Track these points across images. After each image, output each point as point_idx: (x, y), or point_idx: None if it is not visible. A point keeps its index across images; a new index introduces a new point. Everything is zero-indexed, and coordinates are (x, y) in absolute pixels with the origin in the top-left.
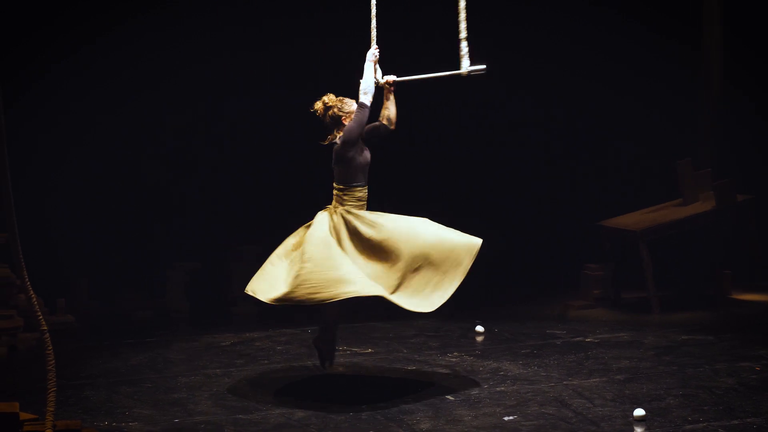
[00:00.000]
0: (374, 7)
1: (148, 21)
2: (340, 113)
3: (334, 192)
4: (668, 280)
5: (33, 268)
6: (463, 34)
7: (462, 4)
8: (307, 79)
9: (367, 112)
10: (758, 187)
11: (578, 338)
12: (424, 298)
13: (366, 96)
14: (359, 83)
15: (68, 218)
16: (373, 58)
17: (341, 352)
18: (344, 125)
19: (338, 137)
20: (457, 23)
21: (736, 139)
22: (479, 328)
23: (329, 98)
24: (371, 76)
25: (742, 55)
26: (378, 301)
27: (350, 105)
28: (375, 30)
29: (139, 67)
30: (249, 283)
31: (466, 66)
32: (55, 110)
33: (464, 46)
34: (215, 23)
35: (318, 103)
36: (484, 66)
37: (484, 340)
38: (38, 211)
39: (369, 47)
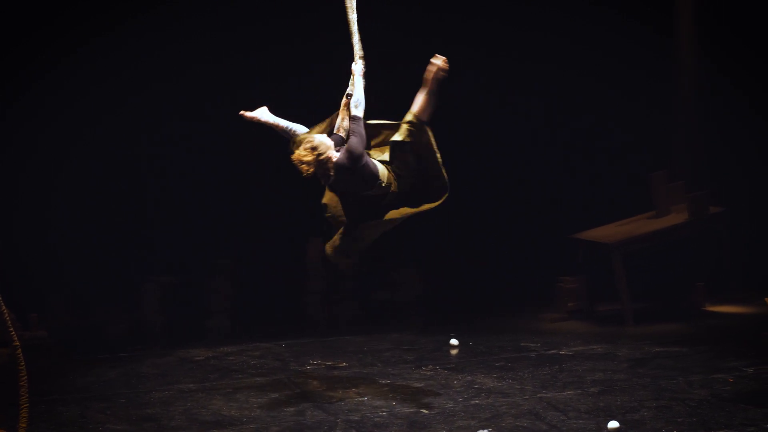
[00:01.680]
0: (355, 22)
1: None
2: (324, 158)
3: None
4: (642, 292)
5: (5, 282)
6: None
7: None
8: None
9: (362, 122)
10: (731, 199)
11: (552, 351)
12: None
13: (358, 109)
14: (346, 94)
15: (39, 231)
16: (361, 72)
17: (315, 366)
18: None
19: (339, 161)
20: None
21: (709, 152)
22: (453, 341)
23: (304, 154)
24: (361, 89)
25: (717, 67)
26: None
27: (325, 143)
28: (359, 43)
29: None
30: None
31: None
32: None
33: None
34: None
35: (303, 167)
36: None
37: (458, 353)
38: (6, 224)
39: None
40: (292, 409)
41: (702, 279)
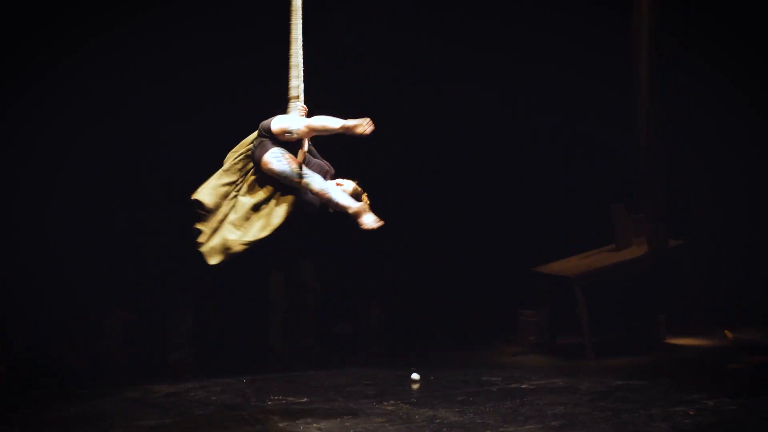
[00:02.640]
0: (301, 67)
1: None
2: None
3: None
4: (603, 325)
5: None
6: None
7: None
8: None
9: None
10: (690, 231)
11: (514, 384)
12: None
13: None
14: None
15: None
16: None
17: (277, 401)
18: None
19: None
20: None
21: (669, 185)
22: (415, 376)
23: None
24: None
25: (676, 99)
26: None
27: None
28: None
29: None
30: None
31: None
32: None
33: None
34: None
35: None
36: None
37: (419, 387)
38: None
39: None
40: None
41: (663, 311)
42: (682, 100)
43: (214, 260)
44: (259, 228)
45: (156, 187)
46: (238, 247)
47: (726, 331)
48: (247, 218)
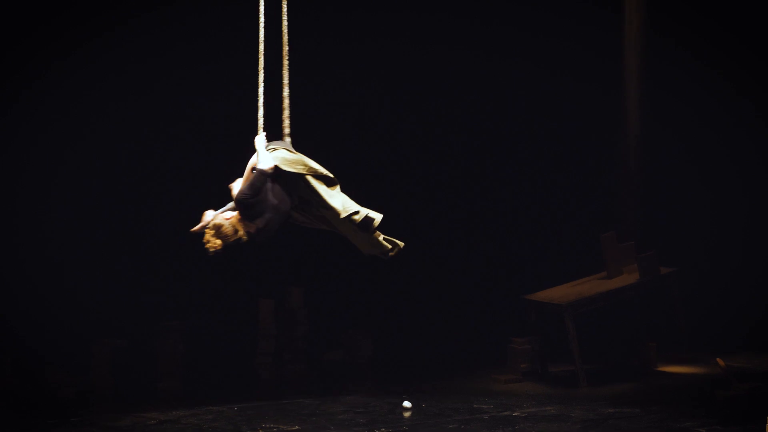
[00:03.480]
0: (262, 95)
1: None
2: (227, 229)
3: None
4: (594, 352)
5: None
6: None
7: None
8: None
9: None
10: (681, 259)
11: (506, 412)
12: None
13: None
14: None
15: None
16: (263, 144)
17: (268, 430)
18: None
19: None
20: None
21: (659, 212)
22: (406, 404)
23: (212, 240)
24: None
25: (664, 124)
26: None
27: (216, 218)
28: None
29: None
30: None
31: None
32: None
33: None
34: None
35: (217, 246)
36: None
37: (411, 415)
38: None
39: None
40: None
41: (654, 339)
42: (675, 110)
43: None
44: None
45: (145, 218)
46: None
47: (718, 359)
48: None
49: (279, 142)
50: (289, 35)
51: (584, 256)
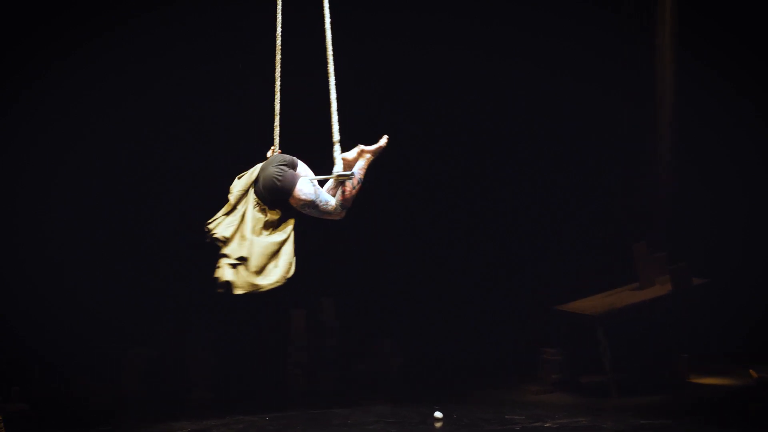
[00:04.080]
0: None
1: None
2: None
3: None
4: (626, 363)
5: None
6: (336, 137)
7: (334, 106)
8: None
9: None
10: (714, 270)
11: (537, 423)
12: None
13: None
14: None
15: (21, 297)
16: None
17: None
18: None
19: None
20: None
21: (692, 222)
22: (438, 414)
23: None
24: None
25: (696, 134)
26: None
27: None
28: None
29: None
30: None
31: (337, 170)
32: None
33: (337, 149)
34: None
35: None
36: (351, 172)
37: (442, 426)
38: None
39: None
40: None
41: (686, 350)
42: (704, 126)
43: (239, 291)
44: (285, 268)
45: (169, 225)
46: (266, 288)
47: (750, 370)
48: (267, 254)
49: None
50: (286, 35)
51: (616, 266)
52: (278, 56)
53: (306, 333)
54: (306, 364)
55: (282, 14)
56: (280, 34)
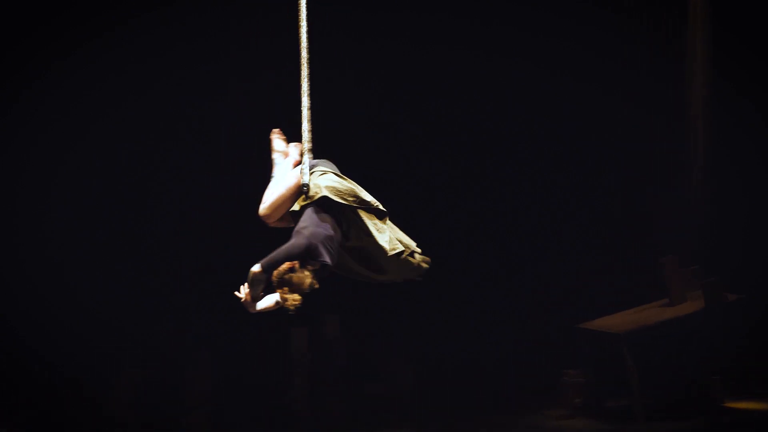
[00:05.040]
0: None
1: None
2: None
3: None
4: (654, 386)
5: None
6: (307, 146)
7: (305, 123)
8: None
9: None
10: (749, 285)
11: None
12: None
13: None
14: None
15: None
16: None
17: None
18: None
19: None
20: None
21: (725, 235)
22: None
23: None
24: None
25: (730, 143)
26: None
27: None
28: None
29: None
30: None
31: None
32: None
33: (305, 159)
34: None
35: (292, 298)
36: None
37: None
38: None
39: None
40: None
41: (720, 372)
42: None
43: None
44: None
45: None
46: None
47: None
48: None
49: (324, 162)
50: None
51: (644, 281)
52: (304, 52)
53: (309, 352)
54: (309, 386)
55: (306, 11)
56: (305, 30)
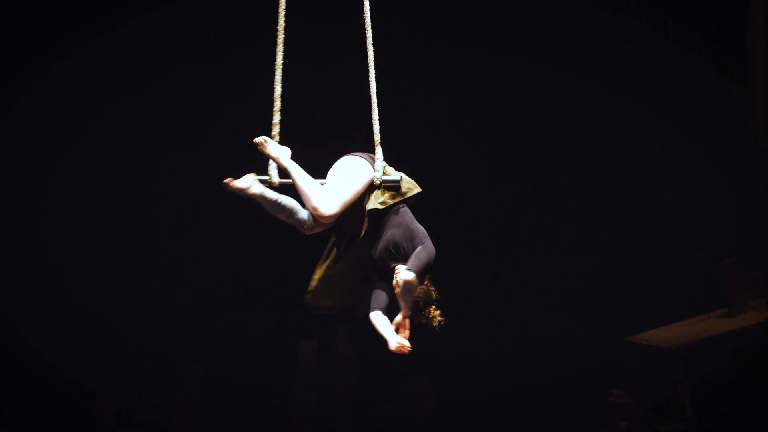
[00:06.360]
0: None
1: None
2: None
3: None
4: (711, 407)
5: None
6: (377, 138)
7: (375, 115)
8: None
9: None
10: None
11: None
12: None
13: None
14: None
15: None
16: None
17: None
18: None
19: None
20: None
21: None
22: None
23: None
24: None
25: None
26: None
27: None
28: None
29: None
30: None
31: (379, 175)
32: None
33: (379, 153)
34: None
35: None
36: (398, 177)
37: None
38: None
39: None
40: None
41: None
42: None
43: None
44: None
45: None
46: None
47: None
48: None
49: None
50: (284, 35)
51: (701, 288)
52: (280, 46)
53: (316, 368)
54: (316, 407)
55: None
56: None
